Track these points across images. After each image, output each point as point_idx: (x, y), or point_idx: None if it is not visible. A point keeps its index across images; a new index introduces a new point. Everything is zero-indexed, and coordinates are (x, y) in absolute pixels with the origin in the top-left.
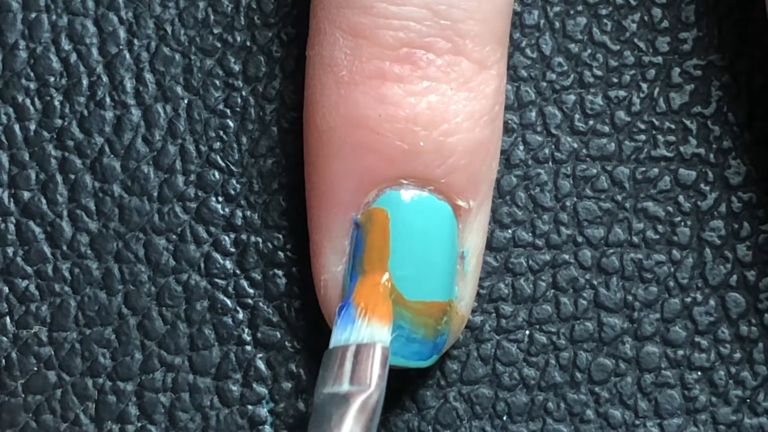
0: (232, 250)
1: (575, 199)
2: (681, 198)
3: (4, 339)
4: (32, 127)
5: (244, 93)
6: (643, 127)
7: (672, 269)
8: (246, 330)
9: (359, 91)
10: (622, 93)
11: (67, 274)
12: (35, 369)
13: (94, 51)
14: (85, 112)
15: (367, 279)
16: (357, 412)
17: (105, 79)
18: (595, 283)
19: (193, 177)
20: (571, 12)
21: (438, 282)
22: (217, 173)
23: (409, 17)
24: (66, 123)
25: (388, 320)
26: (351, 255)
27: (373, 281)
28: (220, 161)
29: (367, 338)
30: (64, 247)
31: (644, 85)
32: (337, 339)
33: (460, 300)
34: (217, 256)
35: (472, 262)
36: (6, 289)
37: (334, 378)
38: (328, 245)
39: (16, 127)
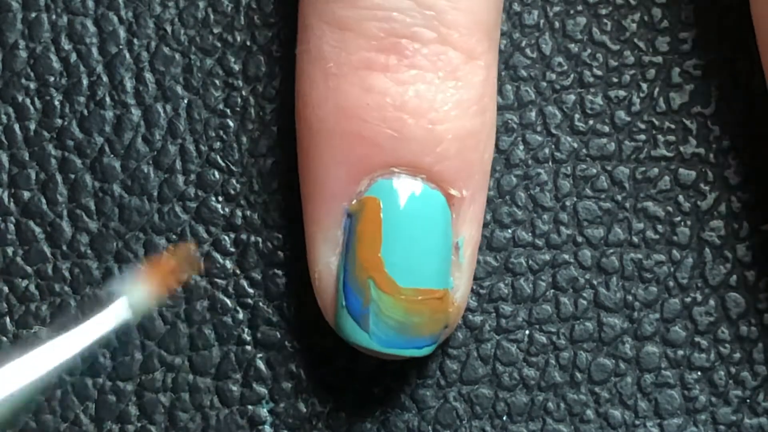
0: (232, 250)
1: (575, 199)
2: (681, 198)
3: (4, 339)
4: (32, 127)
5: (244, 93)
6: (643, 127)
7: (672, 269)
8: (246, 330)
9: (347, 81)
10: (622, 93)
11: (67, 274)
12: None
13: (94, 51)
14: (85, 112)
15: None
16: None
17: (105, 79)
18: (595, 283)
19: (193, 177)
20: (571, 12)
21: (432, 270)
22: (217, 173)
23: (394, 8)
24: (66, 123)
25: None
26: (344, 245)
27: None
28: (220, 161)
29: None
30: (64, 247)
31: (644, 85)
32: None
33: (455, 290)
34: (217, 256)
35: (467, 252)
36: (6, 289)
37: None
38: (321, 236)
39: (16, 127)
